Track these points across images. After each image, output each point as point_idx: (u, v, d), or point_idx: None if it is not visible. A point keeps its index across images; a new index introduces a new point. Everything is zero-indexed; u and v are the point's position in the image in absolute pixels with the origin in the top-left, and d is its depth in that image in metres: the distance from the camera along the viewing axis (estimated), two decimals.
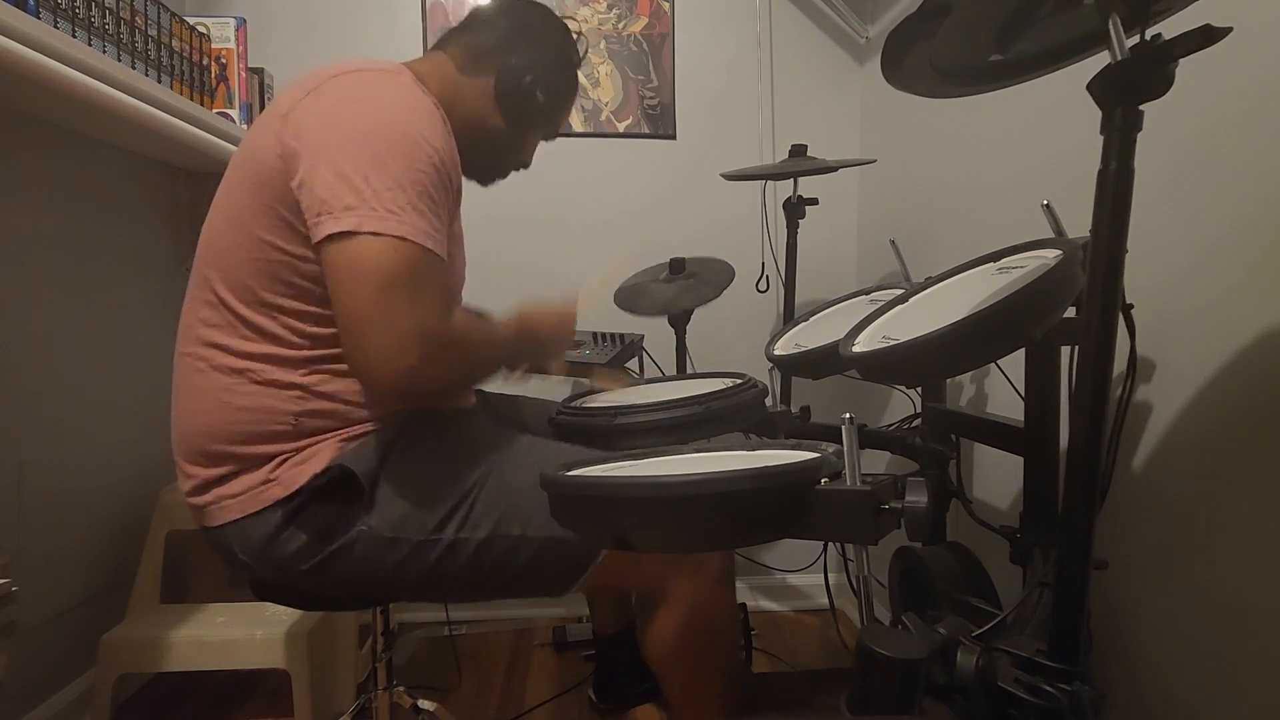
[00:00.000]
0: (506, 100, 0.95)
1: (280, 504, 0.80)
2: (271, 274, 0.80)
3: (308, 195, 0.75)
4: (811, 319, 1.29)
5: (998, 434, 1.03)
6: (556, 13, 1.03)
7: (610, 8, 1.83)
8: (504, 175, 1.06)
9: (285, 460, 0.81)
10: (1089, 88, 0.61)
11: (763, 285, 1.83)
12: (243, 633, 1.27)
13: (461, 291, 1.01)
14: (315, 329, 0.81)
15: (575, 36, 1.03)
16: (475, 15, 0.99)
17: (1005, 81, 0.77)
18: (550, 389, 1.74)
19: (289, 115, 0.78)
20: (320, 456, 0.81)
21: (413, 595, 0.90)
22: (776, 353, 1.18)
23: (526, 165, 1.07)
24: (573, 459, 0.89)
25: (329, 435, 0.83)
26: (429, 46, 1.01)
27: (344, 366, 0.83)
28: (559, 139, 1.04)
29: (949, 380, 1.30)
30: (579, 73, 1.04)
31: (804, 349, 1.11)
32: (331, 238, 0.73)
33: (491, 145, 0.98)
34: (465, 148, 0.86)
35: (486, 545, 0.82)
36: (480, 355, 0.88)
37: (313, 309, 0.81)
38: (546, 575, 0.85)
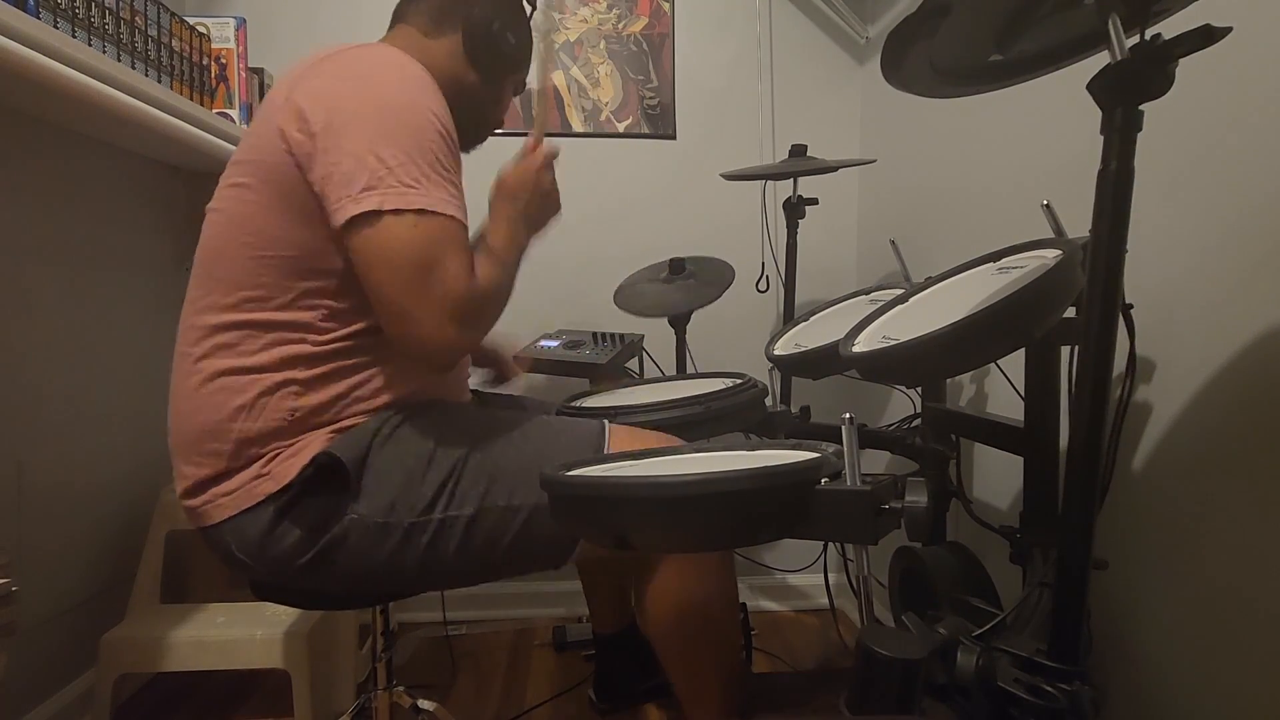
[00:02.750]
0: (477, 51, 0.96)
1: (272, 499, 0.80)
2: (286, 269, 0.80)
3: (324, 183, 0.76)
4: (811, 319, 1.29)
5: (998, 434, 1.03)
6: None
7: (610, 8, 1.83)
8: (483, 138, 1.06)
9: (277, 455, 0.82)
10: (1089, 88, 0.61)
11: (763, 285, 1.83)
12: (243, 633, 1.27)
13: None
14: (324, 323, 0.82)
15: None
16: None
17: (1005, 81, 0.77)
18: (552, 390, 1.75)
19: (286, 106, 0.79)
20: (310, 449, 0.82)
21: (412, 584, 0.90)
22: (776, 353, 1.18)
23: (501, 123, 1.07)
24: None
25: (322, 429, 0.83)
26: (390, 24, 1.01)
27: (343, 363, 0.83)
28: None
29: (949, 380, 1.30)
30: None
31: (804, 349, 1.11)
32: (354, 221, 0.74)
33: (471, 102, 0.98)
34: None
35: (475, 520, 0.82)
36: (505, 277, 0.88)
37: (325, 302, 0.82)
38: (540, 545, 0.85)
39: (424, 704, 1.12)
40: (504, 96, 1.05)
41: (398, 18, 0.99)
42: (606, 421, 0.92)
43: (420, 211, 0.74)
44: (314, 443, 0.82)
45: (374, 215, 0.74)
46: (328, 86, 0.79)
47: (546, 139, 0.97)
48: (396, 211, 0.74)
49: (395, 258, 0.75)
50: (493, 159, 1.09)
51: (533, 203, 0.94)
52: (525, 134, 0.98)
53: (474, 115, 1.01)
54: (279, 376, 0.82)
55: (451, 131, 0.82)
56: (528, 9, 1.04)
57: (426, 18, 0.96)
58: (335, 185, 0.75)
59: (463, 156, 1.04)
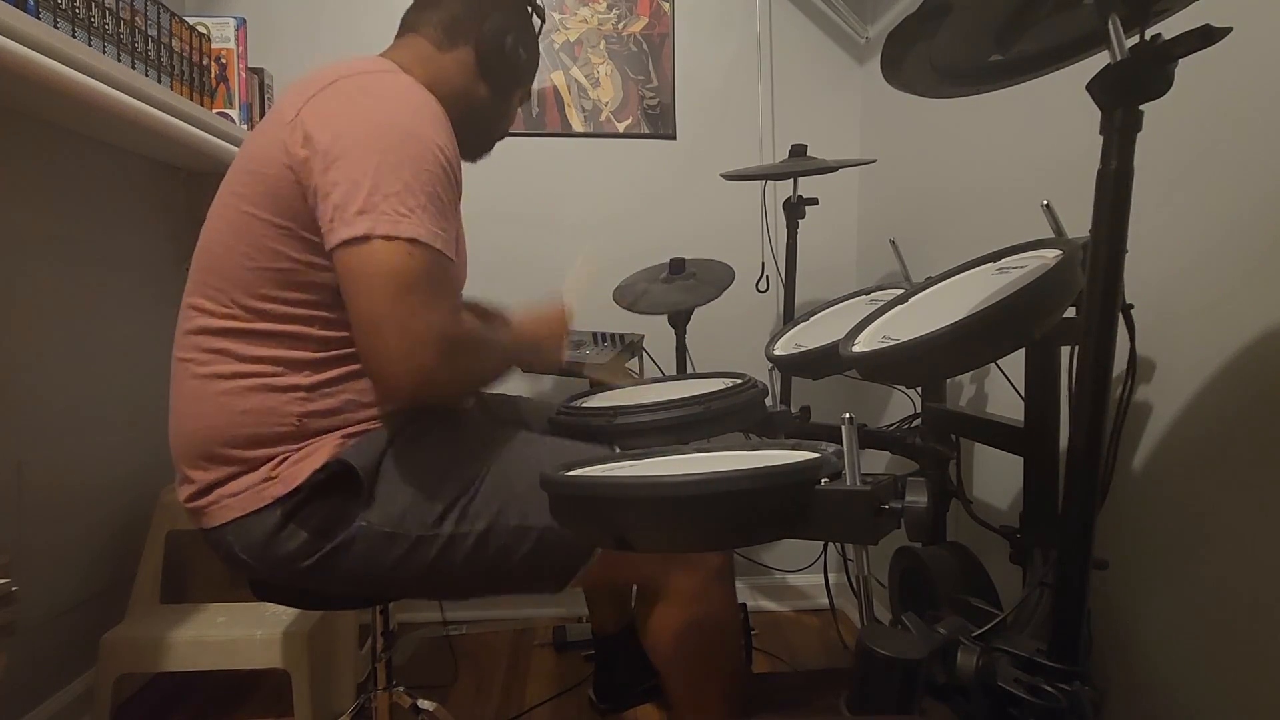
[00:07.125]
0: (490, 66, 0.96)
1: (280, 501, 0.80)
2: (279, 280, 0.80)
3: (322, 203, 0.76)
4: (811, 319, 1.29)
5: (998, 434, 1.03)
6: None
7: (610, 8, 1.83)
8: (490, 148, 1.07)
9: (286, 458, 0.81)
10: (1089, 88, 0.61)
11: (763, 285, 1.83)
12: (243, 633, 1.27)
13: (463, 289, 1.02)
14: (322, 332, 0.82)
15: None
16: None
17: (1005, 81, 0.77)
18: (554, 390, 1.75)
19: (293, 123, 0.78)
20: (321, 453, 0.81)
21: (413, 592, 0.90)
22: (776, 353, 1.18)
23: (506, 134, 1.08)
24: (571, 456, 0.90)
25: (331, 433, 0.83)
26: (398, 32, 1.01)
27: (347, 368, 0.83)
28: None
29: (949, 380, 1.30)
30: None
31: (804, 349, 1.11)
32: (345, 243, 0.74)
33: (480, 116, 0.98)
34: (456, 125, 0.86)
35: (485, 538, 0.82)
36: (488, 359, 0.89)
37: (320, 314, 0.81)
38: (545, 568, 0.85)
39: (424, 704, 1.12)
40: (511, 109, 1.05)
41: (408, 27, 0.98)
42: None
43: (413, 241, 0.74)
44: (324, 447, 0.82)
45: (364, 239, 0.73)
46: (336, 109, 0.79)
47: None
48: (387, 238, 0.73)
49: (381, 274, 0.73)
50: (495, 159, 1.09)
51: (550, 346, 1.02)
52: (526, 135, 0.99)
53: (481, 127, 1.01)
54: (284, 381, 0.81)
55: (454, 164, 0.82)
56: (536, 23, 1.04)
57: (438, 30, 0.95)
58: (330, 207, 0.75)
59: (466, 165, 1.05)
